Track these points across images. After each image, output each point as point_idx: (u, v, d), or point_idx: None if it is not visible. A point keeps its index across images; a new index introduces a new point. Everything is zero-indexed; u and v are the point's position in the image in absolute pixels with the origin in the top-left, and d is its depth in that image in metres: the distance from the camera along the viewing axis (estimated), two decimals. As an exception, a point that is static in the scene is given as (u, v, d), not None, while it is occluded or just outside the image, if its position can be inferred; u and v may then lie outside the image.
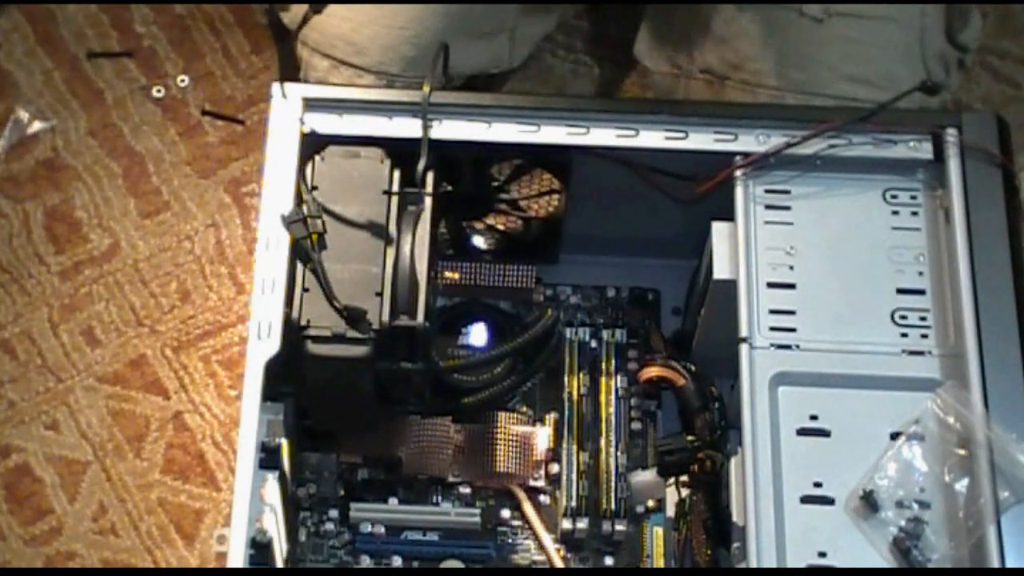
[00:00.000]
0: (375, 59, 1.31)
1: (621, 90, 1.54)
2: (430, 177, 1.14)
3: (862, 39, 1.26)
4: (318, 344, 1.08)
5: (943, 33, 1.29)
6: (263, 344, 1.08)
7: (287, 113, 1.16)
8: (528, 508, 1.22)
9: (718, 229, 1.15)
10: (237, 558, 1.02)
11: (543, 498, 1.23)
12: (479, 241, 1.30)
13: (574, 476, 1.21)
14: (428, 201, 1.13)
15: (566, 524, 1.19)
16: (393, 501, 1.22)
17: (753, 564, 1.02)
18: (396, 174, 1.14)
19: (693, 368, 1.20)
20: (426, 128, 1.15)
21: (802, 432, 1.07)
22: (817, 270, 1.13)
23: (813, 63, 1.25)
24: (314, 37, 1.34)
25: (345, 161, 1.15)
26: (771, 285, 1.12)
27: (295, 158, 1.14)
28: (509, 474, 1.22)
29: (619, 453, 1.22)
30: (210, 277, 1.51)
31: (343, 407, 1.16)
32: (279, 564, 1.08)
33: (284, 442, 1.08)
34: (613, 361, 1.27)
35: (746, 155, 1.15)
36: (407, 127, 1.16)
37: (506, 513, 1.22)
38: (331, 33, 1.32)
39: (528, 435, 1.23)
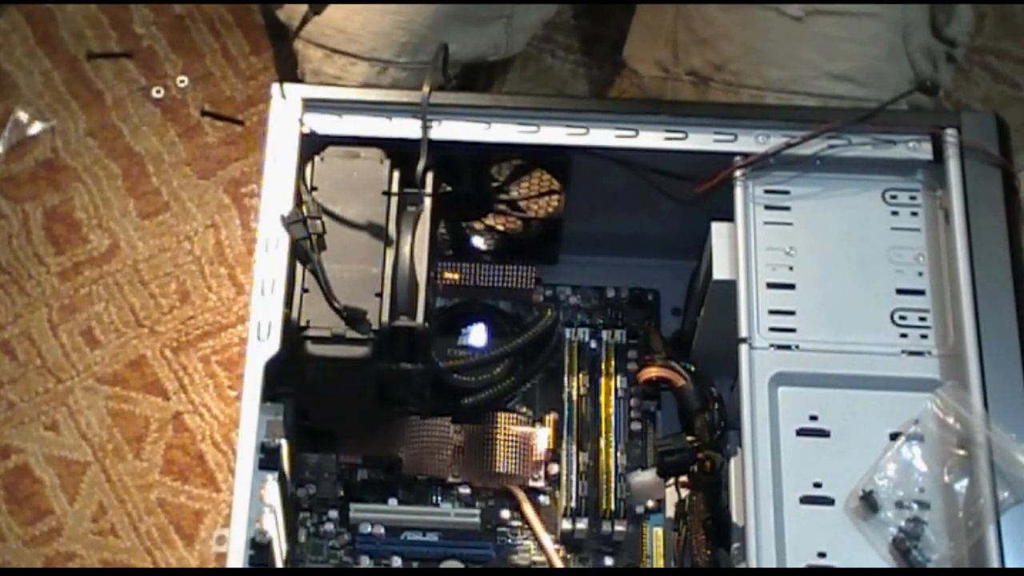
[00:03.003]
0: (367, 46, 1.31)
1: (620, 90, 1.54)
2: (430, 177, 1.14)
3: (842, 36, 1.26)
4: (318, 345, 1.08)
5: (928, 28, 1.29)
6: (263, 344, 1.08)
7: (287, 113, 1.16)
8: (528, 508, 1.22)
9: (718, 229, 1.15)
10: (237, 558, 1.02)
11: (543, 498, 1.23)
12: (479, 241, 1.30)
13: (574, 476, 1.21)
14: (428, 201, 1.13)
15: (566, 524, 1.19)
16: (393, 502, 1.22)
17: (753, 564, 1.02)
18: (396, 174, 1.14)
19: (693, 368, 1.20)
20: (426, 128, 1.15)
21: (802, 432, 1.07)
22: (817, 270, 1.13)
23: (794, 61, 1.25)
24: (306, 27, 1.34)
25: (345, 161, 1.14)
26: (771, 285, 1.12)
27: (295, 158, 1.14)
28: (509, 474, 1.22)
29: (619, 453, 1.22)
30: (210, 277, 1.51)
31: (343, 407, 1.16)
32: (279, 564, 1.08)
33: (284, 442, 1.08)
34: (613, 361, 1.27)
35: (746, 155, 1.15)
36: (407, 127, 1.16)
37: (506, 513, 1.22)
38: (323, 22, 1.31)
39: (528, 435, 1.23)
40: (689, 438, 1.17)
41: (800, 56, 1.25)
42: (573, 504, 1.19)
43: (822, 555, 1.03)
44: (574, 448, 1.22)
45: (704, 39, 1.29)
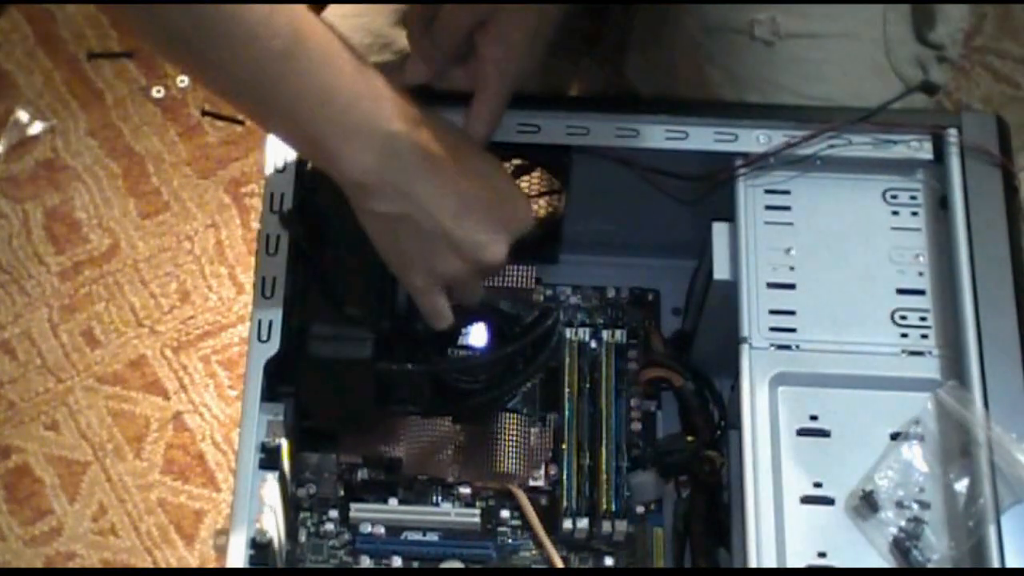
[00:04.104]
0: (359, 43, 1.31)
1: (620, 90, 1.54)
2: (430, 177, 1.14)
3: (818, 59, 1.24)
4: (318, 345, 1.08)
5: (913, 38, 1.27)
6: (263, 345, 1.08)
7: (287, 113, 1.16)
8: (528, 508, 1.22)
9: (718, 229, 1.15)
10: (237, 558, 1.02)
11: (543, 498, 1.23)
12: (479, 241, 1.30)
13: (574, 476, 1.21)
14: (428, 201, 1.13)
15: (566, 524, 1.19)
16: (393, 501, 1.22)
17: (753, 564, 1.02)
18: (396, 174, 1.14)
19: (693, 368, 1.20)
20: (426, 128, 1.15)
21: (802, 432, 1.07)
22: (817, 270, 1.13)
23: (770, 86, 1.24)
24: None
25: (345, 161, 1.14)
26: (771, 285, 1.12)
27: (295, 158, 1.14)
28: (509, 474, 1.22)
29: (619, 453, 1.22)
30: (210, 277, 1.52)
31: (343, 407, 1.16)
32: (279, 564, 1.08)
33: (284, 442, 1.08)
34: (613, 361, 1.27)
35: (746, 155, 1.15)
36: (407, 127, 1.16)
37: (506, 513, 1.22)
38: None
39: (528, 435, 1.23)
40: (689, 438, 1.17)
41: (778, 82, 1.24)
42: (573, 504, 1.19)
43: (822, 555, 1.03)
44: (574, 448, 1.22)
45: (696, 65, 1.28)
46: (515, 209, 1.08)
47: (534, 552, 1.21)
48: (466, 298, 1.11)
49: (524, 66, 1.13)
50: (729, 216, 1.15)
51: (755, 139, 1.16)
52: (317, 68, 0.97)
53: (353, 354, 1.08)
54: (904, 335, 1.11)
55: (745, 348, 1.10)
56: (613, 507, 1.19)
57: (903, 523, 1.03)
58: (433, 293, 1.07)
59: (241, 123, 1.58)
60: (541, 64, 1.16)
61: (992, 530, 1.02)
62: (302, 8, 0.97)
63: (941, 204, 1.15)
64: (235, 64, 0.95)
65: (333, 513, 1.21)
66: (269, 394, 1.08)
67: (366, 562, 1.20)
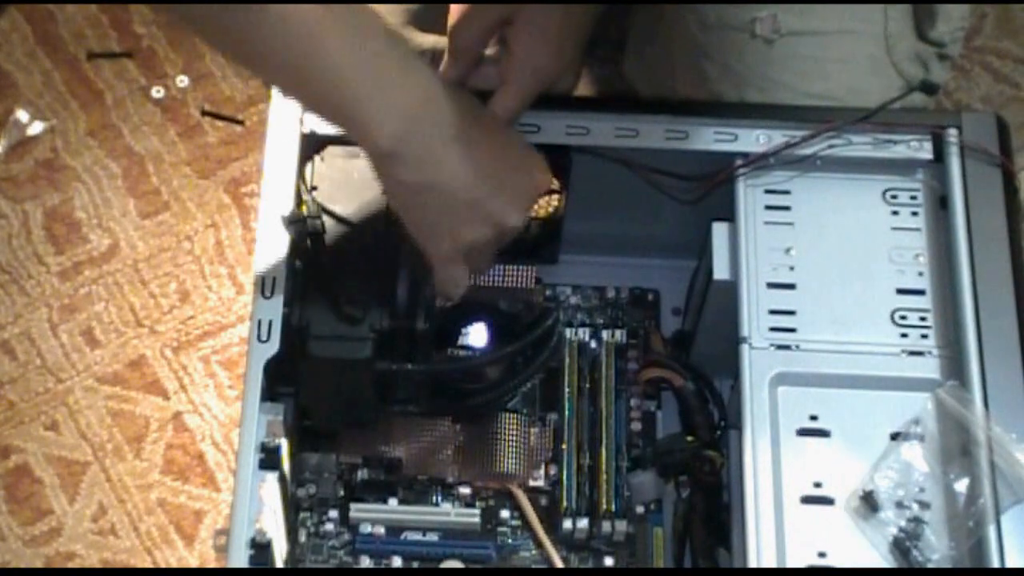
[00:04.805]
0: None
1: (620, 90, 1.54)
2: (430, 177, 1.14)
3: (818, 56, 1.24)
4: (318, 345, 1.08)
5: (913, 34, 1.27)
6: (263, 345, 1.08)
7: (286, 113, 1.16)
8: (528, 508, 1.22)
9: (718, 229, 1.15)
10: (237, 558, 1.02)
11: (543, 498, 1.23)
12: (479, 241, 1.30)
13: (574, 476, 1.21)
14: (428, 201, 1.13)
15: (566, 524, 1.19)
16: (393, 501, 1.22)
17: (753, 564, 1.02)
18: (396, 174, 1.14)
19: (693, 368, 1.20)
20: (426, 128, 1.15)
21: (802, 432, 1.07)
22: (817, 270, 1.13)
23: (770, 83, 1.24)
24: None
25: (345, 161, 1.15)
26: (771, 285, 1.12)
27: (295, 158, 1.14)
28: (509, 474, 1.22)
29: (619, 453, 1.22)
30: (210, 277, 1.52)
31: (343, 407, 1.16)
32: (279, 564, 1.08)
33: (284, 442, 1.08)
34: (613, 361, 1.27)
35: (746, 155, 1.15)
36: (407, 127, 1.16)
37: (506, 513, 1.22)
38: None
39: (528, 435, 1.23)
40: (689, 438, 1.17)
41: (777, 79, 1.24)
42: (573, 504, 1.19)
43: (822, 555, 1.03)
44: (574, 448, 1.22)
45: (693, 63, 1.28)
46: (532, 176, 1.11)
47: (534, 552, 1.21)
48: (480, 265, 1.14)
49: (552, 64, 1.14)
50: (729, 216, 1.15)
51: (755, 139, 1.16)
52: (350, 39, 0.98)
53: (353, 354, 1.08)
54: (904, 335, 1.11)
55: (745, 348, 1.10)
56: (613, 507, 1.20)
57: (903, 523, 1.04)
58: (456, 261, 1.10)
59: (241, 123, 1.58)
60: (577, 69, 1.17)
61: (992, 530, 1.02)
62: None
63: (941, 204, 1.15)
64: (270, 34, 0.96)
65: (333, 513, 1.21)
66: (269, 394, 1.09)
67: (366, 562, 1.20)
